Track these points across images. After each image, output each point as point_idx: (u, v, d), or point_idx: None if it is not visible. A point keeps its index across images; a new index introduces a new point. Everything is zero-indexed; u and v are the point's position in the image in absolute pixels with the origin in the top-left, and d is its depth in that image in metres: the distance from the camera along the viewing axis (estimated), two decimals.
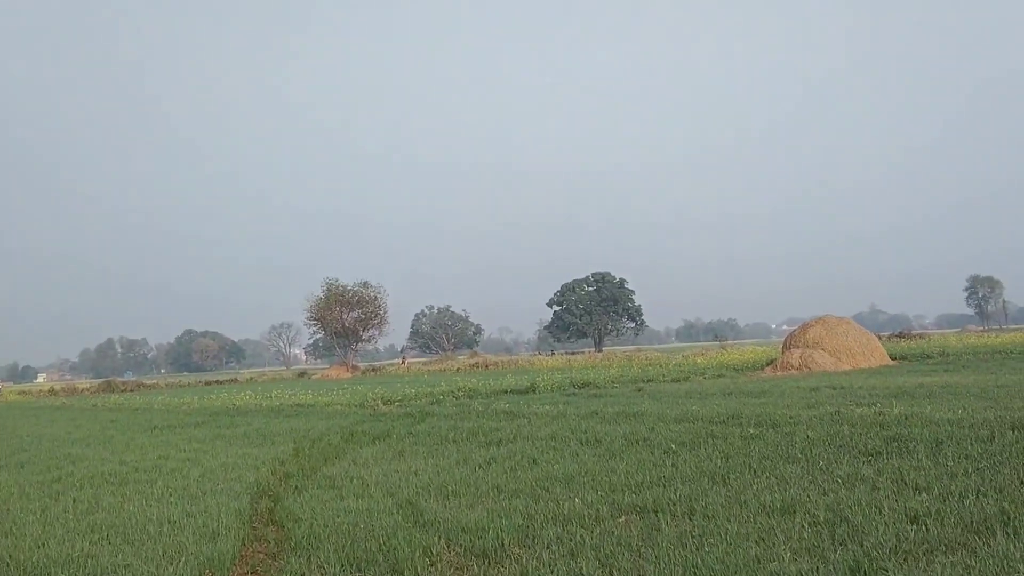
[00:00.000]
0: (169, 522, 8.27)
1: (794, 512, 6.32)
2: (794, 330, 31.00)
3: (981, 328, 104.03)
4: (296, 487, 9.88)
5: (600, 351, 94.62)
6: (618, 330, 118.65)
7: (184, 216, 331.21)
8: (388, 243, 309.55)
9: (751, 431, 10.73)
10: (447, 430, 14.46)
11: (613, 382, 26.39)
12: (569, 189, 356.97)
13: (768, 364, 29.91)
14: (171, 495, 9.96)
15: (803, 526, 5.89)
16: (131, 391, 61.06)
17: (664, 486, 7.78)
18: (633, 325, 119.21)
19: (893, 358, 29.80)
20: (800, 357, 27.91)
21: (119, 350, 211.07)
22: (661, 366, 33.81)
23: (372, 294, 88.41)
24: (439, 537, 6.65)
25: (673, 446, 10.05)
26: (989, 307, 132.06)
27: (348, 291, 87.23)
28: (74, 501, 10.04)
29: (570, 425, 13.42)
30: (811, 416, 11.59)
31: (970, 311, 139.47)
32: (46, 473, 12.87)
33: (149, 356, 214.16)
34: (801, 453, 8.83)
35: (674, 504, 6.97)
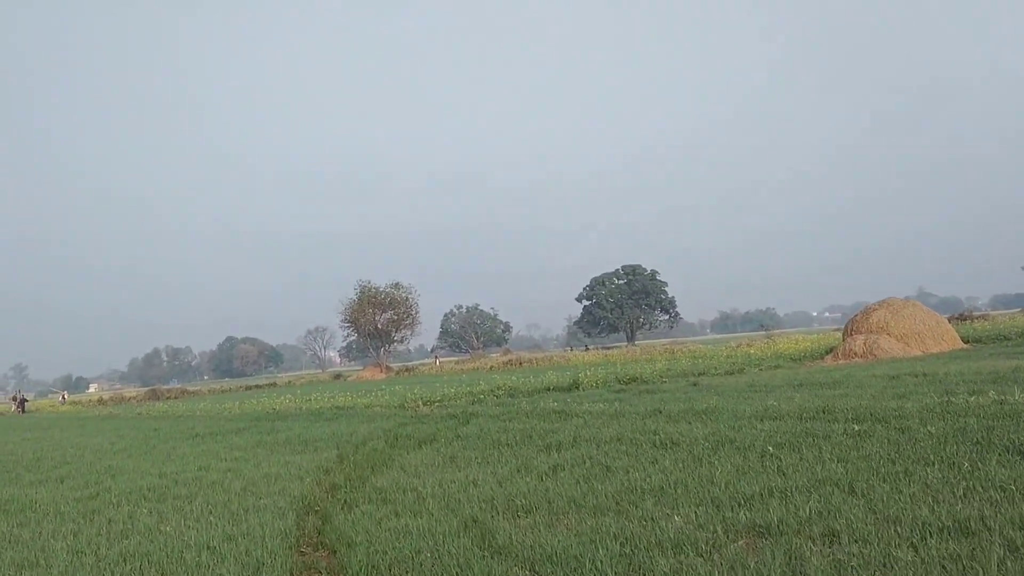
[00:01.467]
0: (208, 548, 7.15)
1: (975, 534, 4.95)
2: (855, 315, 28.86)
3: None
4: (345, 501, 8.72)
5: (634, 345, 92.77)
6: (651, 323, 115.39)
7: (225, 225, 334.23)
8: (413, 245, 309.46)
9: (855, 427, 9.32)
10: (497, 432, 13.24)
11: (661, 376, 24.93)
12: (582, 190, 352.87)
13: (828, 352, 28.02)
14: (211, 513, 8.87)
15: (1001, 556, 4.52)
16: (175, 398, 60.90)
17: (781, 498, 6.43)
18: (667, 317, 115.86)
19: (966, 341, 27.40)
20: (864, 343, 25.97)
21: (165, 359, 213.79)
22: (710, 358, 32.17)
23: (403, 295, 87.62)
24: (522, 569, 5.42)
25: (770, 448, 8.67)
26: None
27: (380, 293, 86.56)
28: (109, 522, 8.98)
29: (635, 425, 12.10)
30: (917, 408, 10.12)
31: None
32: (84, 488, 11.88)
33: (193, 364, 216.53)
34: (932, 453, 7.40)
35: (806, 523, 5.63)
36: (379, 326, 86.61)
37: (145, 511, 9.46)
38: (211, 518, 8.59)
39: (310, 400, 28.63)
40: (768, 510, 6.07)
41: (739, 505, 6.40)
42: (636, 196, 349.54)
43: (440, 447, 12.59)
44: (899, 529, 5.22)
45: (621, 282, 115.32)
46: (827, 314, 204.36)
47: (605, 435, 11.29)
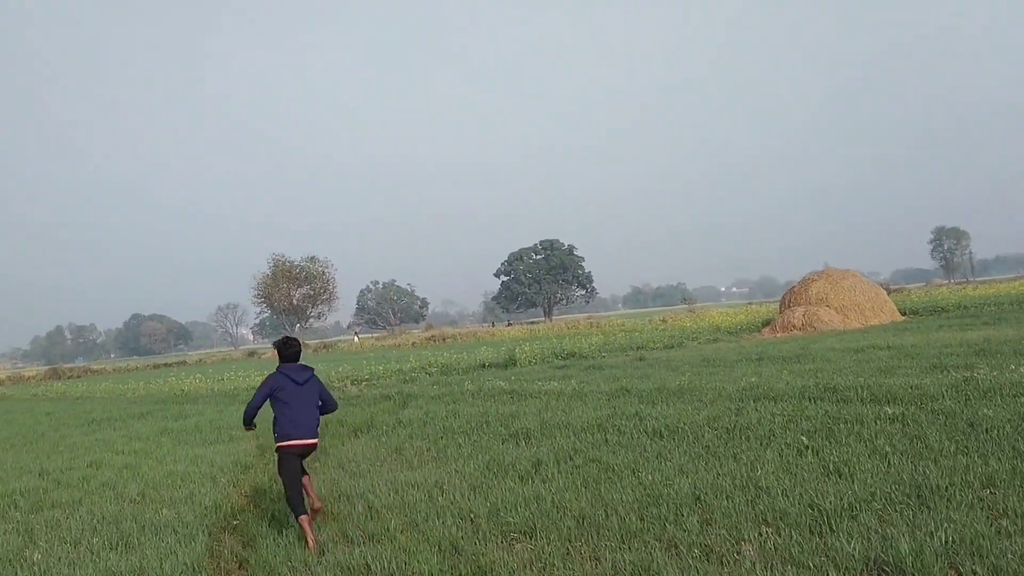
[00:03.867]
0: None
1: None
2: (793, 286, 27.51)
3: (947, 281, 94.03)
4: (273, 515, 6.57)
5: (551, 320, 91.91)
6: (568, 298, 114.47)
7: (129, 207, 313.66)
8: (329, 214, 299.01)
9: (887, 411, 7.81)
10: (445, 417, 11.25)
11: (600, 351, 23.42)
12: (501, 172, 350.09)
13: (765, 325, 26.89)
14: (95, 532, 6.59)
15: None
16: (78, 377, 55.79)
17: (878, 516, 4.74)
18: (584, 293, 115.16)
19: (903, 313, 26.75)
20: (804, 316, 24.83)
21: (68, 336, 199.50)
22: (643, 332, 31.00)
23: (320, 269, 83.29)
24: None
25: (803, 438, 7.02)
26: (955, 259, 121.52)
27: (295, 267, 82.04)
28: None
29: (607, 408, 10.34)
30: (935, 385, 8.77)
31: (932, 265, 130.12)
32: None
33: (98, 341, 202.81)
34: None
35: (951, 560, 3.94)
36: (294, 302, 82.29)
37: (10, 530, 7.06)
38: (94, 540, 6.31)
39: (223, 380, 25.74)
40: (881, 537, 4.33)
41: (825, 526, 4.66)
42: (558, 177, 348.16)
43: (381, 436, 10.49)
44: None
45: (539, 257, 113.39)
46: (735, 289, 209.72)
47: (578, 420, 9.46)
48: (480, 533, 5.30)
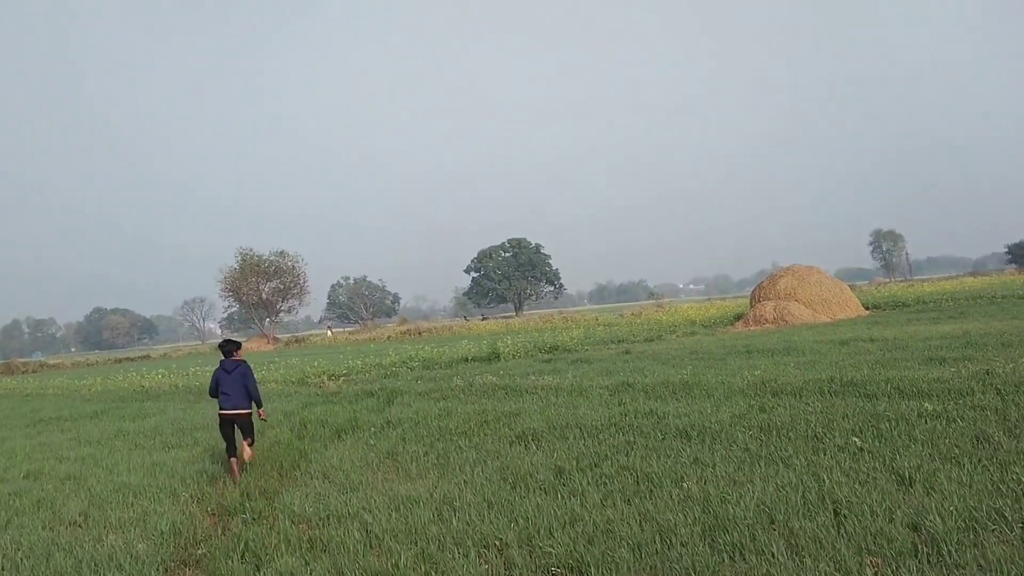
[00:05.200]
0: None
1: None
2: (762, 282, 27.60)
3: (888, 279, 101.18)
4: (247, 545, 5.33)
5: (521, 314, 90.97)
6: (537, 294, 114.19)
7: (89, 197, 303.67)
8: (300, 211, 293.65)
9: (927, 407, 6.90)
10: (439, 416, 10.13)
11: (582, 345, 22.44)
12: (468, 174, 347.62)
13: (737, 319, 26.64)
14: (16, 572, 5.29)
15: None
16: (33, 372, 52.95)
17: (997, 538, 3.76)
18: (552, 289, 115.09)
19: (866, 308, 26.91)
20: (775, 310, 24.66)
21: (26, 330, 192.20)
22: (620, 326, 30.11)
23: (290, 263, 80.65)
24: None
25: (855, 439, 6.06)
26: (893, 260, 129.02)
27: (264, 261, 79.37)
28: None
29: (617, 406, 9.30)
30: (956, 379, 7.95)
31: (872, 264, 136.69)
32: None
33: (58, 336, 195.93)
34: None
35: None
36: (264, 296, 79.77)
37: None
38: None
39: (188, 375, 24.13)
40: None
41: (942, 556, 3.67)
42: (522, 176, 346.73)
43: (369, 438, 9.31)
44: None
45: (508, 255, 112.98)
46: (692, 286, 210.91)
47: (588, 419, 8.42)
48: (516, 570, 4.19)
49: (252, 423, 8.33)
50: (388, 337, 47.08)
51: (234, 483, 7.56)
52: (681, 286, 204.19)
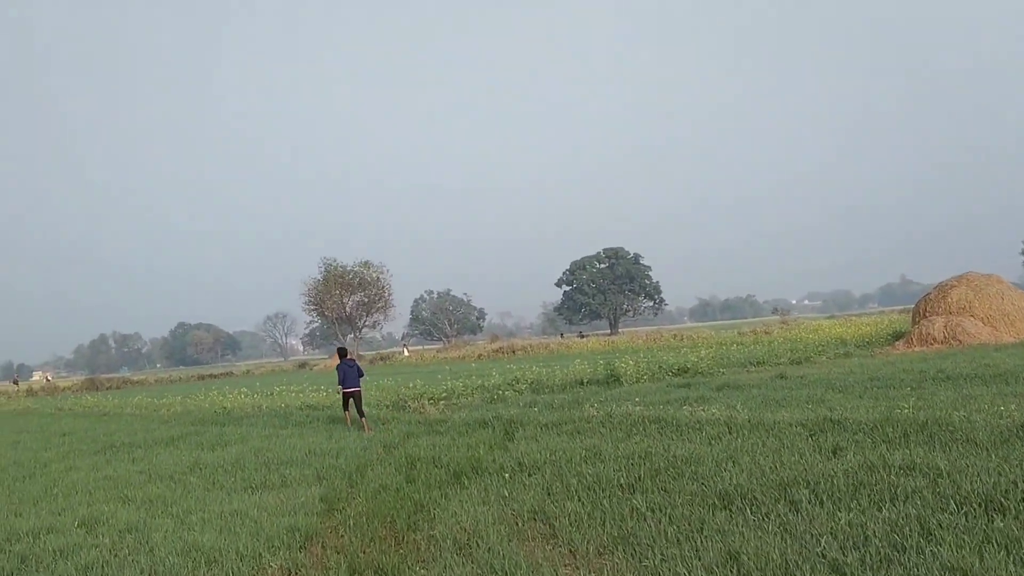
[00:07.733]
0: None
1: None
2: (927, 294, 24.27)
3: None
4: None
5: (618, 333, 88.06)
6: (635, 309, 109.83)
7: (177, 208, 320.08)
8: (380, 222, 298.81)
9: None
10: (585, 459, 8.27)
11: (717, 367, 20.14)
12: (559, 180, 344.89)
13: (897, 338, 23.69)
14: None
15: None
16: (116, 388, 54.54)
17: None
18: (652, 304, 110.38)
19: None
20: (944, 327, 21.55)
21: (113, 345, 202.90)
22: (754, 345, 27.49)
23: (374, 275, 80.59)
24: None
25: None
26: None
27: (348, 272, 79.67)
28: None
29: (855, 455, 7.18)
30: None
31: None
32: None
33: (143, 351, 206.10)
34: None
35: None
36: (347, 310, 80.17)
37: None
38: None
39: (272, 395, 23.23)
40: None
41: None
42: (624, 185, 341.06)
43: (499, 487, 7.54)
44: None
45: (603, 266, 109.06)
46: (807, 301, 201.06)
47: (808, 472, 6.33)
48: None
49: (362, 397, 14.29)
50: (479, 356, 45.69)
51: (347, 427, 13.82)
52: (794, 302, 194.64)
